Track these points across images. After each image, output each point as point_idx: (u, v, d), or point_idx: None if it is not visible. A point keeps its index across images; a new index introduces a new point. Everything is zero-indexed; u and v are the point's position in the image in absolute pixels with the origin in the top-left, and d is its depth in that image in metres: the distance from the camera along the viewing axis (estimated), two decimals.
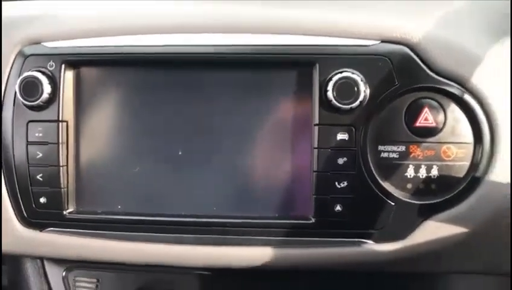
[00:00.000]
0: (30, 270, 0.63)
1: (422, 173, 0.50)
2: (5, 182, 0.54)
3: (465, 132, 0.49)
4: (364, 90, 0.48)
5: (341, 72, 0.48)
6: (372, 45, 0.49)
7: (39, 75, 0.51)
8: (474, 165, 0.49)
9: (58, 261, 0.62)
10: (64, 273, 0.62)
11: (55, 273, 0.62)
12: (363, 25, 0.50)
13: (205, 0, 0.54)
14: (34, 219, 0.54)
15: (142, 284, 0.61)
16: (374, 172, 0.49)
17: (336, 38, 0.50)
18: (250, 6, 0.52)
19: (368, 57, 0.49)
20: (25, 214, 0.54)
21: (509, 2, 0.52)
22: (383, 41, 0.50)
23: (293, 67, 0.51)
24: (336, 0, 0.54)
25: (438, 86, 0.49)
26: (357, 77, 0.48)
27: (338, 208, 0.50)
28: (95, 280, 0.62)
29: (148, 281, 0.61)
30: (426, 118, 0.49)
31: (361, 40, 0.50)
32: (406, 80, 0.49)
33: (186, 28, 0.51)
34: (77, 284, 0.62)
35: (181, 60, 0.52)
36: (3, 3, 0.61)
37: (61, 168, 0.52)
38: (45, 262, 0.63)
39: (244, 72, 0.52)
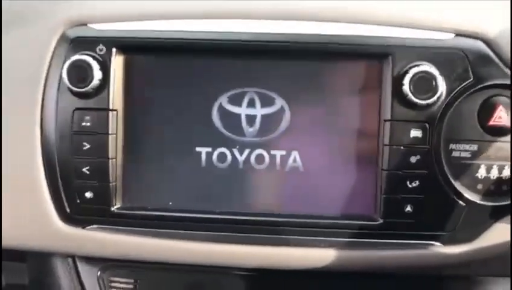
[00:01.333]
0: (60, 269, 0.60)
1: (494, 174, 0.49)
2: (45, 174, 0.51)
3: None
4: (441, 86, 0.46)
5: (418, 66, 0.47)
6: (447, 39, 0.48)
7: (89, 59, 0.48)
8: None
9: (92, 260, 0.58)
10: (99, 273, 0.58)
11: (89, 273, 0.59)
12: (437, 17, 0.49)
13: None
14: (77, 215, 0.51)
15: (186, 287, 0.59)
16: (446, 171, 0.48)
17: (409, 29, 0.48)
18: None
19: (443, 51, 0.48)
20: (67, 210, 0.51)
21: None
22: (457, 34, 0.48)
23: (361, 59, 0.49)
24: None
25: None
26: (435, 71, 0.46)
27: (408, 208, 0.48)
28: (132, 281, 0.59)
29: (192, 284, 0.58)
30: (500, 116, 0.48)
31: (435, 32, 0.48)
32: (482, 76, 0.48)
33: (247, 15, 0.49)
34: (112, 284, 0.59)
35: (242, 48, 0.49)
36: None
37: (110, 160, 0.49)
38: (78, 261, 0.59)
39: (309, 63, 0.49)
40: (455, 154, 0.49)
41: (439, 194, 0.49)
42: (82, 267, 0.60)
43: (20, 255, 0.66)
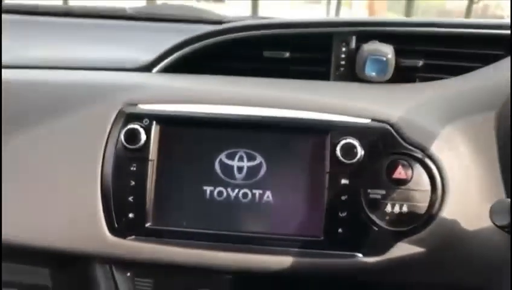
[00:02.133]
0: (100, 273, 0.80)
1: (396, 210, 0.69)
2: (101, 200, 0.73)
3: (425, 183, 0.70)
4: (360, 152, 0.70)
5: (345, 139, 0.70)
6: (366, 122, 0.72)
7: (138, 127, 0.73)
8: (430, 206, 0.70)
9: (124, 265, 0.80)
10: (128, 274, 0.79)
11: (121, 276, 0.79)
12: (361, 109, 0.72)
13: (263, 82, 0.78)
14: (122, 228, 0.72)
15: (187, 284, 0.79)
16: (364, 207, 0.70)
17: (343, 116, 0.72)
18: (290, 90, 0.76)
19: (363, 130, 0.71)
20: (116, 225, 0.73)
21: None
22: (373, 120, 0.72)
23: (312, 133, 0.72)
24: (344, 90, 0.78)
25: (408, 152, 0.70)
26: (356, 143, 0.70)
27: (340, 230, 0.70)
28: (152, 281, 0.80)
29: (192, 282, 0.79)
30: (400, 172, 0.69)
31: (359, 118, 0.72)
32: (387, 147, 0.70)
33: (246, 103, 0.73)
34: (137, 283, 0.80)
35: (237, 123, 0.73)
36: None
37: (147, 193, 0.72)
38: (113, 267, 0.79)
39: (279, 135, 0.73)
40: (371, 195, 0.70)
41: (360, 221, 0.69)
42: (116, 271, 0.79)
43: (64, 263, 0.84)
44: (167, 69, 0.85)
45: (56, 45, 1.05)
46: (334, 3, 4.71)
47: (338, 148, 0.71)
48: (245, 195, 0.73)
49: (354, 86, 0.81)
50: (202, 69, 0.85)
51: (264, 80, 0.82)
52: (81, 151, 0.75)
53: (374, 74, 0.80)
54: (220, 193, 0.73)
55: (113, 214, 0.73)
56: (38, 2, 1.33)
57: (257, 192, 0.73)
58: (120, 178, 0.73)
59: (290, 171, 0.73)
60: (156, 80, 0.83)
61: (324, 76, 0.83)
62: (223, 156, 0.73)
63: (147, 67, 0.85)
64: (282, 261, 0.72)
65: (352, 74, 0.83)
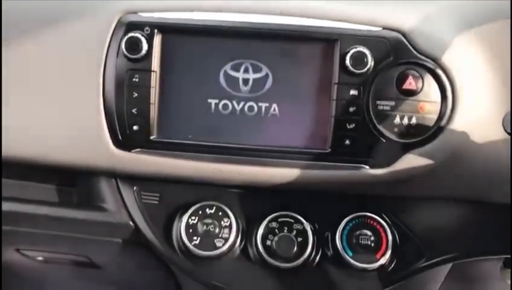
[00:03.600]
0: (105, 187, 0.79)
1: (405, 121, 0.69)
2: (104, 113, 0.71)
3: (436, 94, 0.69)
4: (370, 61, 0.68)
5: (355, 48, 0.68)
6: (377, 31, 0.69)
7: (140, 36, 0.70)
8: (440, 117, 0.69)
9: (130, 179, 0.79)
10: (135, 188, 0.79)
11: (127, 189, 0.79)
12: (371, 17, 0.70)
13: None
14: (126, 141, 0.72)
15: (192, 197, 0.79)
16: (373, 118, 0.69)
17: (353, 24, 0.69)
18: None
19: (374, 39, 0.68)
20: (120, 138, 0.72)
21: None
22: (384, 28, 0.69)
23: (319, 41, 0.70)
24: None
25: (419, 62, 0.68)
26: (366, 51, 0.68)
27: (347, 142, 0.69)
28: (158, 194, 0.80)
29: (199, 195, 0.79)
30: (410, 83, 0.68)
31: (370, 26, 0.69)
32: (398, 56, 0.68)
33: (250, 10, 0.70)
34: (143, 197, 0.80)
35: (242, 32, 0.70)
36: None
37: (151, 105, 0.71)
38: (119, 181, 0.79)
39: (285, 44, 0.71)
40: (380, 107, 0.69)
41: (368, 133, 0.69)
42: (122, 185, 0.79)
43: (71, 180, 0.85)
44: None
45: None
46: None
47: (347, 57, 0.68)
48: (251, 108, 0.72)
49: None
50: None
51: None
52: (81, 62, 0.73)
53: None
54: (225, 106, 0.72)
55: (117, 127, 0.72)
56: None
57: (263, 105, 0.72)
58: (123, 90, 0.71)
59: (297, 82, 0.71)
60: None
61: None
62: (227, 68, 0.71)
63: None
64: (288, 173, 0.72)
65: None
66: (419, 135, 0.70)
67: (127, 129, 0.72)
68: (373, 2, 0.74)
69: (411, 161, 0.71)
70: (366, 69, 0.68)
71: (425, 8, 0.73)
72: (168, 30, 0.71)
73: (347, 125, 0.70)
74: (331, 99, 0.70)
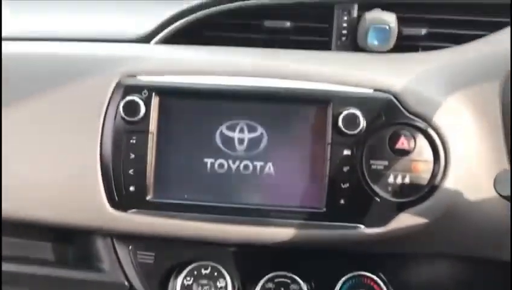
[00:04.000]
0: (101, 246, 0.80)
1: (399, 180, 0.69)
2: (101, 174, 0.72)
3: (428, 153, 0.69)
4: (362, 122, 0.69)
5: (348, 109, 0.69)
6: (368, 92, 0.71)
7: (137, 99, 0.71)
8: (433, 176, 0.69)
9: (125, 238, 0.79)
10: (130, 247, 0.79)
11: (123, 248, 0.79)
12: (363, 79, 0.71)
13: (264, 53, 0.77)
14: (122, 202, 0.72)
15: (188, 256, 0.80)
16: (367, 178, 0.70)
17: (345, 86, 0.71)
18: (292, 60, 0.75)
19: (365, 100, 0.70)
20: (116, 199, 0.72)
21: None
22: (375, 90, 0.71)
23: (313, 103, 0.71)
24: (346, 60, 0.77)
25: (410, 122, 0.69)
26: (358, 113, 0.69)
27: (342, 201, 0.70)
28: (153, 253, 0.80)
29: (193, 254, 0.79)
30: (402, 143, 0.69)
31: (361, 88, 0.71)
32: (390, 117, 0.69)
33: (245, 73, 0.72)
34: (139, 256, 0.80)
35: (238, 95, 0.72)
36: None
37: (147, 166, 0.71)
38: (115, 240, 0.80)
39: (282, 105, 0.72)
40: (373, 167, 0.70)
41: (362, 192, 0.69)
42: (118, 245, 0.79)
43: (67, 238, 0.84)
44: (166, 40, 0.83)
45: (53, 16, 1.03)
46: None
47: (340, 118, 0.70)
48: (246, 167, 0.72)
49: (356, 55, 0.80)
50: (202, 40, 0.83)
51: (265, 51, 0.80)
52: (80, 124, 0.74)
53: (376, 43, 0.79)
54: (220, 165, 0.73)
55: (113, 187, 0.73)
56: None
57: (258, 164, 0.72)
58: (120, 151, 0.72)
59: (292, 142, 0.72)
60: (154, 51, 0.81)
61: (326, 46, 0.82)
62: (223, 128, 0.73)
63: (146, 39, 0.84)
64: (284, 233, 0.72)
65: (354, 43, 0.81)
66: (413, 194, 0.70)
67: (123, 190, 0.72)
68: (364, 65, 0.76)
69: (406, 219, 0.71)
70: (358, 129, 0.70)
71: (415, 69, 0.75)
72: (165, 93, 0.73)
73: (341, 184, 0.70)
74: (326, 159, 0.71)
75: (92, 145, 0.73)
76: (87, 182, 0.73)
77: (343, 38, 0.82)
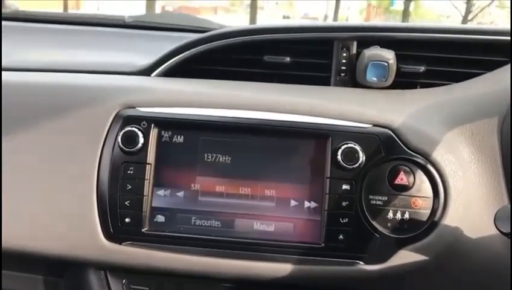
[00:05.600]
0: (93, 279, 0.79)
1: (398, 216, 0.69)
2: (97, 205, 0.71)
3: (427, 189, 0.69)
4: (362, 157, 0.69)
5: (347, 144, 0.69)
6: (367, 127, 0.71)
7: (136, 130, 0.72)
8: (433, 212, 0.69)
9: (119, 271, 0.77)
10: (124, 281, 0.77)
11: (116, 282, 0.77)
12: (362, 114, 0.72)
13: (263, 87, 0.78)
14: (117, 234, 0.71)
15: None
16: (366, 213, 0.69)
17: (344, 120, 0.71)
18: (291, 95, 0.76)
19: (364, 135, 0.70)
20: (111, 230, 0.71)
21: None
22: (374, 125, 0.71)
23: (312, 138, 0.71)
24: (345, 95, 0.77)
25: (409, 158, 0.69)
26: (358, 147, 0.70)
27: (341, 236, 0.69)
28: (147, 288, 0.78)
29: (190, 289, 0.77)
30: (402, 178, 0.69)
31: (360, 123, 0.71)
32: (389, 152, 0.69)
33: (246, 106, 0.73)
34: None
35: (239, 127, 0.72)
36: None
37: (144, 197, 0.71)
38: (108, 273, 0.77)
39: (280, 139, 0.72)
40: (372, 202, 0.69)
41: (361, 228, 0.68)
42: (111, 278, 0.77)
43: (58, 270, 0.83)
44: (166, 74, 0.85)
45: (56, 50, 1.05)
46: None
47: (339, 153, 0.70)
48: (244, 201, 0.72)
49: (355, 91, 0.81)
50: (202, 74, 0.85)
51: (265, 85, 0.81)
52: (77, 154, 0.74)
53: (375, 79, 0.80)
54: (218, 198, 0.72)
55: (109, 218, 0.72)
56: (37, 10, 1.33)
57: (256, 197, 0.72)
58: (117, 181, 0.72)
59: (290, 176, 0.72)
60: (154, 83, 0.82)
61: (325, 81, 0.83)
62: (222, 161, 0.73)
63: (146, 71, 0.85)
64: (281, 268, 0.71)
65: (353, 79, 0.83)
66: (413, 230, 0.70)
67: (119, 221, 0.72)
68: (363, 100, 0.77)
69: (406, 256, 0.70)
70: (357, 164, 0.70)
71: (414, 105, 0.75)
72: (164, 125, 0.73)
73: (340, 219, 0.70)
74: (324, 193, 0.70)
75: (89, 174, 0.73)
76: (83, 212, 0.72)
77: (342, 75, 0.83)
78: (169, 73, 0.84)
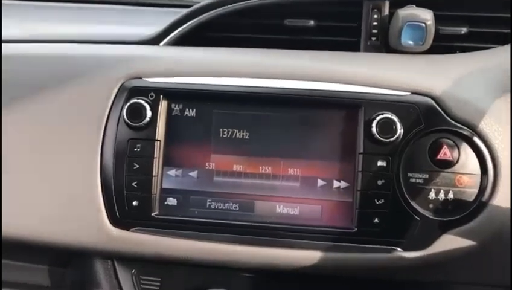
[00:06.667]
0: (101, 270, 0.72)
1: (441, 196, 0.61)
2: (101, 187, 0.65)
3: (474, 165, 0.62)
4: (399, 129, 0.61)
5: (382, 114, 0.62)
6: (405, 95, 0.63)
7: (143, 102, 0.64)
8: (481, 191, 0.61)
9: (127, 261, 0.71)
10: (133, 271, 0.71)
11: (124, 273, 0.71)
12: (399, 81, 0.64)
13: (285, 53, 0.70)
14: (124, 219, 0.64)
15: (198, 282, 0.71)
16: (404, 193, 0.62)
17: (379, 88, 0.63)
18: (316, 61, 0.67)
19: (402, 104, 0.62)
20: (118, 215, 0.64)
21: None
22: (413, 93, 0.63)
23: (343, 108, 0.64)
24: (378, 61, 0.69)
25: (453, 129, 0.62)
26: (395, 118, 0.62)
27: (376, 220, 0.62)
28: (159, 279, 0.72)
29: (204, 280, 0.71)
30: (445, 153, 0.61)
31: (397, 91, 0.63)
32: (430, 123, 0.62)
33: (265, 75, 0.65)
34: (142, 282, 0.72)
35: (259, 99, 0.64)
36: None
37: (153, 177, 0.64)
38: (116, 263, 0.72)
39: (306, 111, 0.64)
40: (411, 180, 0.62)
41: (399, 210, 0.61)
42: (119, 268, 0.71)
43: (63, 260, 0.78)
44: (177, 42, 0.76)
45: (59, 24, 0.97)
46: None
47: (374, 124, 0.62)
48: (265, 180, 0.64)
49: (389, 57, 0.72)
50: (216, 42, 0.76)
51: (287, 51, 0.72)
52: (79, 131, 0.67)
53: (411, 42, 0.70)
54: (236, 177, 0.65)
55: (115, 202, 0.65)
56: None
57: (278, 176, 0.64)
58: (122, 160, 0.65)
59: (317, 152, 0.64)
60: (163, 51, 0.74)
61: (353, 47, 0.74)
62: (239, 136, 0.65)
63: (155, 40, 0.77)
64: (308, 256, 0.63)
65: (385, 44, 0.73)
66: (459, 212, 0.62)
67: (125, 205, 0.65)
68: (398, 66, 0.68)
69: (450, 241, 0.62)
70: (395, 137, 0.62)
71: (456, 71, 0.66)
72: (174, 96, 0.66)
73: (375, 201, 0.62)
74: (356, 172, 0.63)
75: (92, 153, 0.66)
76: (86, 196, 0.66)
77: (374, 39, 0.74)
78: (179, 42, 0.76)
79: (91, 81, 0.68)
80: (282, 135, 0.65)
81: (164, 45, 0.76)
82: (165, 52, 0.73)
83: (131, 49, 0.74)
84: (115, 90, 0.66)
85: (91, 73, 0.69)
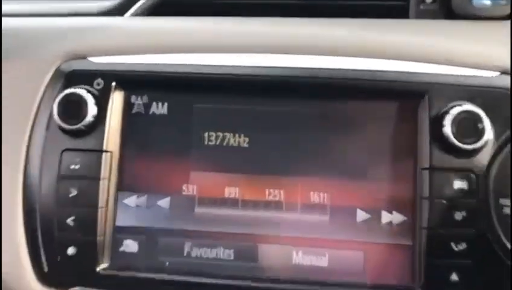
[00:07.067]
0: None
1: None
2: (24, 226, 0.44)
3: None
4: (488, 129, 0.40)
5: (460, 106, 0.41)
6: (492, 77, 0.43)
7: (84, 93, 0.43)
8: None
9: None
10: None
11: None
12: (481, 56, 0.44)
13: (297, 21, 0.49)
14: (56, 275, 0.44)
15: None
16: (498, 231, 0.40)
17: (449, 66, 0.43)
18: (342, 27, 0.46)
19: (488, 90, 0.42)
20: (45, 269, 0.44)
21: None
22: (503, 72, 0.43)
23: (393, 99, 0.43)
24: (439, 31, 0.48)
25: None
26: (481, 111, 0.40)
27: (454, 277, 0.40)
28: None
29: None
30: None
31: (478, 70, 0.43)
32: None
33: (258, 48, 0.45)
34: None
35: (262, 85, 0.44)
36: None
37: (99, 210, 0.43)
38: None
39: (336, 102, 0.44)
40: (506, 210, 0.41)
41: (490, 258, 0.41)
42: None
43: None
44: (148, 12, 0.57)
45: None
46: None
47: (446, 122, 0.41)
48: (275, 208, 0.44)
49: (454, 24, 0.50)
50: (203, 11, 0.55)
51: (304, 19, 0.51)
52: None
53: (488, 2, 0.49)
54: (229, 207, 0.45)
55: (42, 250, 0.44)
56: None
57: (296, 206, 0.44)
58: (52, 186, 0.44)
59: (354, 167, 0.44)
60: (122, 22, 0.54)
61: (400, 13, 0.55)
62: (233, 141, 0.46)
63: (118, 10, 0.57)
64: None
65: (445, 7, 0.53)
66: None
67: (57, 253, 0.44)
68: (471, 36, 0.47)
69: None
70: (482, 142, 0.41)
71: None
72: (135, 83, 0.46)
73: (452, 245, 0.41)
74: (419, 199, 0.42)
75: (13, 172, 0.46)
76: (5, 234, 0.45)
77: (429, 1, 0.53)
78: (151, 12, 0.56)
79: (19, 64, 0.50)
80: (297, 141, 0.44)
81: (131, 16, 0.56)
82: (125, 23, 0.53)
83: (82, 21, 0.53)
84: (47, 76, 0.47)
85: (19, 53, 0.50)
